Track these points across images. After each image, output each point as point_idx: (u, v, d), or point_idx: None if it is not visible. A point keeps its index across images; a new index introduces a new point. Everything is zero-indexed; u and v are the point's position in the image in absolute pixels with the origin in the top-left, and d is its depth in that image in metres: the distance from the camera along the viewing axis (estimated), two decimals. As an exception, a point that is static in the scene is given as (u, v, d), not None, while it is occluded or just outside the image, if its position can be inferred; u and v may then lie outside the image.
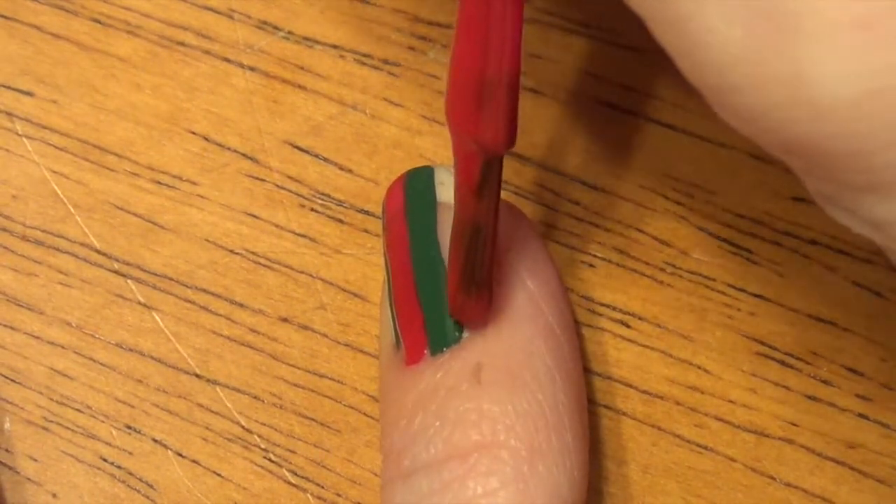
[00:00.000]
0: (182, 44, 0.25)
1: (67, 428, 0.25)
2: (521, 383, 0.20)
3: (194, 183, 0.25)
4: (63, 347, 0.25)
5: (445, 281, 0.21)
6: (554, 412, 0.20)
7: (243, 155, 0.25)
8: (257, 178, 0.25)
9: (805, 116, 0.15)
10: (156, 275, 0.25)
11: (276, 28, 0.25)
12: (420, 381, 0.21)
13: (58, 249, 0.25)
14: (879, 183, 0.15)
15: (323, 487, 0.24)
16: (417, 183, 0.22)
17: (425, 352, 0.21)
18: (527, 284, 0.21)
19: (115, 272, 0.25)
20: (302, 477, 0.24)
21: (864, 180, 0.15)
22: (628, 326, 0.24)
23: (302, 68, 0.25)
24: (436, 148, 0.25)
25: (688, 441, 0.24)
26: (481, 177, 0.19)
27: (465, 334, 0.21)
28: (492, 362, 0.20)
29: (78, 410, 0.25)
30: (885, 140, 0.14)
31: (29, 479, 0.25)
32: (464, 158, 0.19)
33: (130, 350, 0.25)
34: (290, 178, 0.25)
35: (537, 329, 0.21)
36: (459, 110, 0.18)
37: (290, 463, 0.24)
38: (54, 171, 0.25)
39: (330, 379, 0.24)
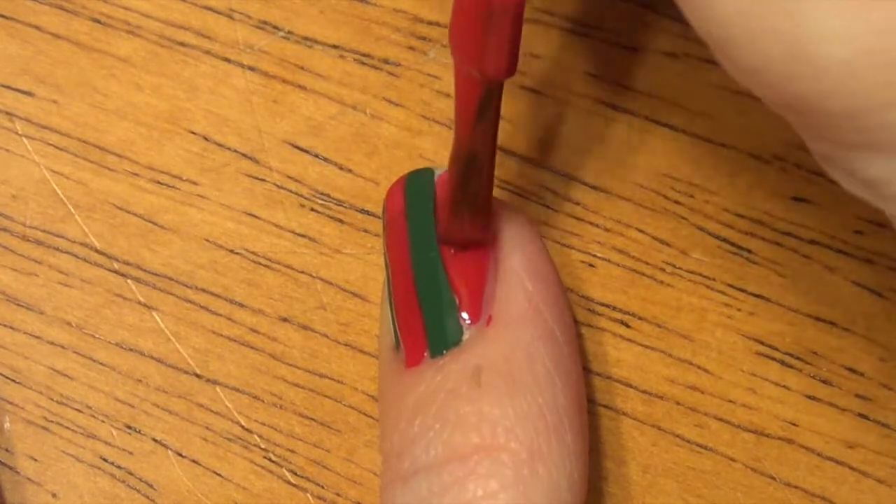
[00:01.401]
0: (182, 44, 0.25)
1: (67, 428, 0.25)
2: (521, 386, 0.20)
3: (194, 183, 0.25)
4: (63, 347, 0.25)
5: (446, 283, 0.21)
6: (554, 414, 0.20)
7: (243, 155, 0.25)
8: (257, 178, 0.25)
9: (802, 73, 0.15)
10: (156, 274, 0.25)
11: (275, 28, 0.25)
12: (420, 384, 0.21)
13: (58, 249, 0.25)
14: (872, 142, 0.15)
15: (323, 487, 0.24)
16: (418, 185, 0.22)
17: (425, 354, 0.21)
18: (526, 286, 0.21)
19: (115, 272, 0.25)
20: (302, 477, 0.24)
21: (857, 139, 0.16)
22: (628, 326, 0.24)
23: (302, 68, 0.25)
24: (436, 148, 0.25)
25: (688, 441, 0.24)
26: (480, 104, 0.19)
27: (465, 336, 0.21)
28: (491, 365, 0.20)
29: (78, 410, 0.25)
30: (879, 100, 0.15)
31: (29, 478, 0.25)
32: (464, 85, 0.19)
33: (130, 350, 0.25)
34: (289, 177, 0.25)
35: (537, 331, 0.21)
36: (465, 38, 0.18)
37: (290, 463, 0.24)
38: (54, 171, 0.25)
39: (330, 379, 0.24)
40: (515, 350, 0.21)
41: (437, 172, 0.22)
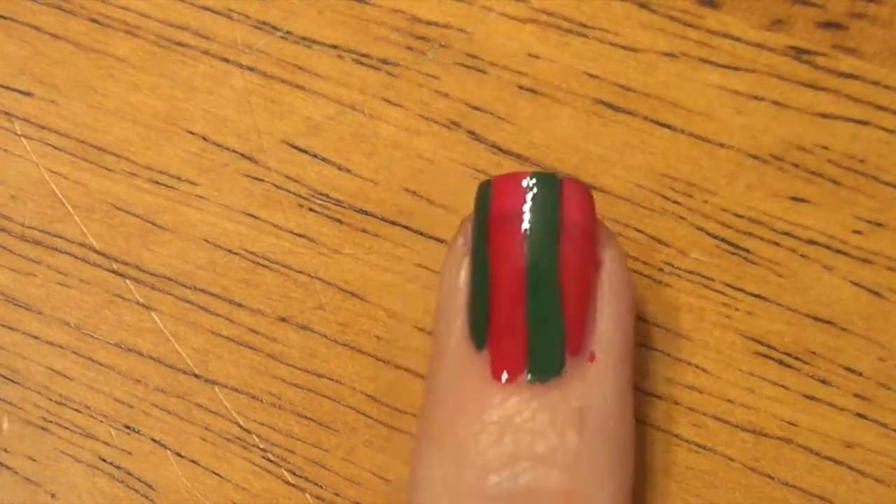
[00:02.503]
0: (180, 44, 0.25)
1: (66, 428, 0.25)
2: (617, 437, 0.20)
3: (193, 183, 0.25)
4: (62, 347, 0.25)
5: (559, 306, 0.20)
6: (629, 463, 0.21)
7: (242, 155, 0.25)
8: (256, 178, 0.25)
9: None
10: (154, 275, 0.25)
11: (274, 28, 0.25)
12: (510, 404, 0.20)
13: (56, 249, 0.25)
14: None
15: (321, 487, 0.24)
16: (544, 188, 0.21)
17: (522, 373, 0.20)
18: (626, 327, 0.21)
19: (114, 272, 0.25)
20: (300, 476, 0.24)
21: None
22: (627, 326, 0.24)
23: (300, 68, 0.25)
24: (435, 148, 0.25)
25: (686, 441, 0.24)
26: None
27: (566, 368, 0.20)
28: (592, 409, 0.20)
29: (77, 410, 0.25)
30: None
31: (28, 479, 0.25)
32: None
33: (129, 350, 0.25)
34: (288, 177, 0.25)
35: (629, 374, 0.21)
36: None
37: (289, 463, 0.24)
38: (53, 171, 0.25)
39: (328, 379, 0.24)
40: (615, 396, 0.20)
41: (566, 182, 0.21)
